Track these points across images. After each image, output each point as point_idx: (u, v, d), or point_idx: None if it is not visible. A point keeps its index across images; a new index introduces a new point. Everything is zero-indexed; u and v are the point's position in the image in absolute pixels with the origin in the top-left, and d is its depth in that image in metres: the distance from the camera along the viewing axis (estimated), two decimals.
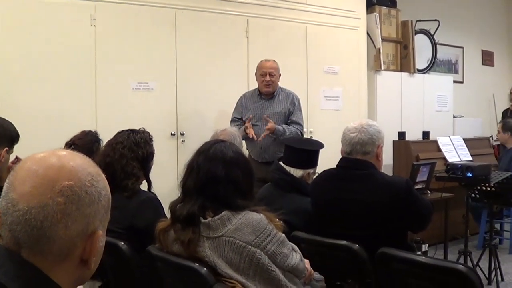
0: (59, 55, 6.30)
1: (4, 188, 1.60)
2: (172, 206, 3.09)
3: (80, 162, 1.66)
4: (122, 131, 4.19)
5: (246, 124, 6.76)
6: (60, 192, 1.56)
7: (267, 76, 6.86)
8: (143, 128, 4.30)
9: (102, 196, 1.67)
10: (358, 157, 4.00)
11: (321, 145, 4.76)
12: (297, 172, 4.47)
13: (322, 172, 4.33)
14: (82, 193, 1.60)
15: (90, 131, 4.97)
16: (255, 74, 7.03)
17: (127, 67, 6.72)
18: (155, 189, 4.27)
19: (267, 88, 6.92)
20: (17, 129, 4.35)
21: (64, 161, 1.63)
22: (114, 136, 4.17)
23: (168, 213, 3.25)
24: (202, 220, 2.92)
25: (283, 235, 3.05)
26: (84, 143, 4.79)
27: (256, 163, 6.64)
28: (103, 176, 1.72)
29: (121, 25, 6.72)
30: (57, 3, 6.28)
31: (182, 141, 7.04)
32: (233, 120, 6.98)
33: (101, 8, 6.55)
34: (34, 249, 1.55)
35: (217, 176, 2.98)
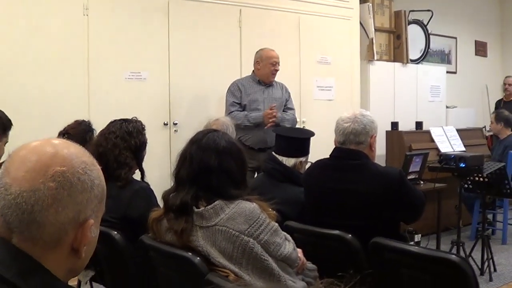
0: (52, 44, 6.27)
1: None
2: (165, 196, 3.08)
3: (74, 150, 1.67)
4: (115, 120, 4.18)
5: (271, 111, 6.82)
6: (52, 177, 1.56)
7: (277, 65, 7.08)
8: (136, 117, 4.30)
9: (95, 186, 1.66)
10: (352, 147, 4.00)
11: (311, 133, 4.77)
12: (289, 161, 4.48)
13: (315, 162, 4.34)
14: (74, 180, 1.60)
15: (83, 121, 4.97)
16: (257, 62, 7.08)
17: (120, 57, 6.70)
18: (148, 178, 4.28)
19: (273, 77, 7.13)
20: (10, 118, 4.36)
21: (59, 149, 1.64)
22: (107, 126, 4.17)
23: (161, 203, 3.25)
24: (195, 210, 2.92)
25: (276, 224, 3.05)
26: (77, 132, 4.79)
27: (252, 151, 6.70)
28: (98, 167, 1.72)
29: (113, 14, 6.69)
30: None
31: (175, 130, 7.03)
32: (232, 104, 6.95)
33: None
34: (24, 234, 1.55)
35: (210, 165, 2.97)
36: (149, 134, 4.33)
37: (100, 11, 6.59)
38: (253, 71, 7.18)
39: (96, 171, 1.69)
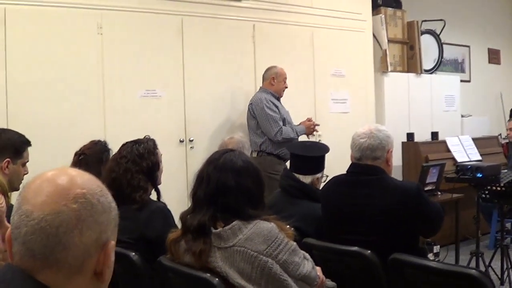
0: (67, 63, 6.28)
1: (16, 204, 1.62)
2: (183, 217, 3.09)
3: (88, 177, 1.70)
4: (126, 143, 4.18)
5: (311, 122, 7.56)
6: (74, 199, 1.58)
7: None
8: (148, 136, 4.30)
9: (112, 208, 1.70)
10: (368, 162, 4.00)
11: (326, 149, 4.76)
12: (306, 179, 4.47)
13: (332, 178, 4.33)
14: (95, 201, 1.62)
15: (99, 141, 4.96)
16: (273, 78, 7.38)
17: (135, 75, 6.71)
18: (165, 196, 4.27)
19: (283, 93, 7.49)
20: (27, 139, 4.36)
21: (74, 175, 1.66)
22: (119, 150, 4.17)
23: (178, 223, 3.25)
24: (213, 230, 2.92)
25: (295, 243, 3.05)
26: (94, 152, 4.79)
27: None
28: (110, 193, 1.74)
29: (128, 32, 6.71)
30: (63, 12, 6.27)
31: (191, 147, 7.04)
32: (278, 120, 7.20)
33: (108, 16, 6.55)
34: (49, 259, 1.54)
35: (227, 186, 2.98)
36: (165, 151, 4.34)
37: (114, 30, 6.61)
38: (261, 87, 7.42)
39: (110, 195, 1.72)
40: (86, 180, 1.66)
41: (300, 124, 7.51)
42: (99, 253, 1.62)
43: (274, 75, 7.36)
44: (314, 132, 7.60)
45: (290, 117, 7.42)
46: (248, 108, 7.30)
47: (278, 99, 7.41)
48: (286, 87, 7.50)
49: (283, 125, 7.16)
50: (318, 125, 7.62)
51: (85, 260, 1.59)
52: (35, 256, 1.55)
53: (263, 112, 7.14)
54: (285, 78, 7.46)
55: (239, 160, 3.08)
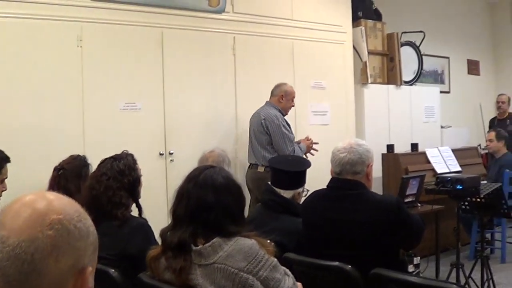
0: (46, 76, 6.25)
1: None
2: (163, 234, 3.07)
3: (66, 201, 1.67)
4: (105, 160, 4.16)
5: (310, 140, 7.73)
6: (50, 225, 1.55)
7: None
8: (126, 150, 4.28)
9: (91, 233, 1.67)
10: (348, 177, 4.00)
11: (308, 164, 4.76)
12: (287, 194, 4.47)
13: (313, 193, 4.33)
14: (71, 227, 1.59)
15: (78, 156, 4.96)
16: (282, 96, 7.49)
17: (114, 87, 6.68)
18: (145, 208, 4.26)
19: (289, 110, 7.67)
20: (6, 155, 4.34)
21: (52, 199, 1.64)
22: (98, 167, 4.15)
23: (159, 239, 3.24)
24: (194, 248, 2.91)
25: (275, 259, 3.03)
26: (73, 167, 4.79)
27: None
28: (89, 217, 1.72)
29: (107, 45, 6.70)
30: (43, 24, 6.25)
31: (171, 160, 7.02)
32: (293, 140, 7.41)
33: (88, 28, 6.53)
34: (24, 285, 1.52)
35: (207, 202, 2.97)
36: (145, 164, 4.33)
37: (94, 43, 6.58)
38: (267, 102, 7.53)
39: (89, 220, 1.69)
40: (63, 205, 1.64)
41: (300, 141, 7.63)
42: (76, 279, 1.60)
43: (283, 93, 7.47)
44: (313, 151, 7.65)
45: None
46: (261, 123, 7.30)
47: (284, 115, 7.50)
48: (293, 106, 7.66)
49: None
50: (317, 143, 7.70)
51: (61, 287, 1.58)
52: (10, 282, 1.53)
53: (279, 130, 7.23)
54: (294, 97, 7.58)
55: (219, 177, 3.07)
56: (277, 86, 7.53)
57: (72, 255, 1.58)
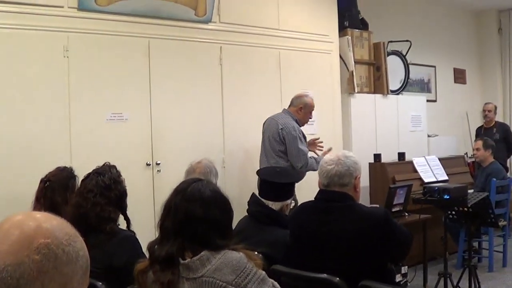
0: (32, 86, 6.22)
1: None
2: (151, 247, 3.05)
3: (56, 223, 1.63)
4: (89, 175, 4.13)
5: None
6: (37, 250, 1.52)
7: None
8: (108, 162, 4.26)
9: (80, 257, 1.62)
10: (336, 189, 3.99)
11: (296, 176, 4.75)
12: (276, 205, 4.46)
13: (300, 204, 4.32)
14: (59, 251, 1.56)
15: (65, 167, 4.94)
16: (301, 108, 7.53)
17: (101, 98, 6.66)
18: (132, 219, 4.25)
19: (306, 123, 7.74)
20: None
21: (41, 221, 1.60)
22: (83, 184, 4.12)
23: (146, 251, 3.22)
24: (181, 261, 2.89)
25: (263, 272, 3.02)
26: (59, 179, 4.77)
27: None
28: (81, 238, 1.68)
29: (94, 55, 6.67)
30: (30, 34, 6.23)
31: (158, 171, 7.00)
32: (307, 153, 7.39)
33: (74, 38, 6.51)
34: None
35: (195, 216, 2.95)
36: (132, 175, 4.33)
37: (81, 53, 6.56)
38: (285, 110, 7.63)
39: (79, 242, 1.65)
40: (53, 227, 1.60)
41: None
42: None
43: (302, 105, 7.52)
44: (319, 148, 7.75)
45: None
46: (278, 132, 7.34)
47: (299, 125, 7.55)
48: (311, 118, 7.79)
49: None
50: (318, 139, 7.87)
51: None
52: None
53: (295, 143, 7.29)
54: (312, 110, 7.63)
55: (207, 190, 3.06)
56: (298, 97, 7.60)
57: (59, 281, 1.55)
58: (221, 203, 3.07)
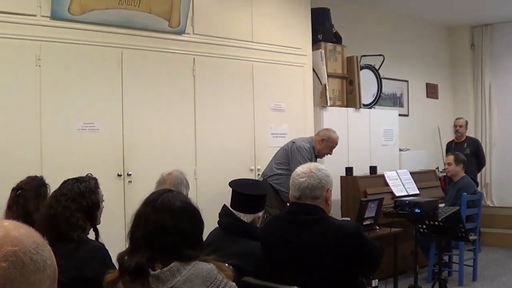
0: (3, 95, 6.18)
1: None
2: (120, 258, 3.03)
3: (24, 231, 1.61)
4: (68, 180, 4.11)
5: None
6: (4, 257, 1.50)
7: (332, 151, 8.15)
8: (90, 174, 4.24)
9: (48, 266, 1.60)
10: (308, 201, 3.99)
11: (268, 188, 4.75)
12: (248, 218, 4.44)
13: (272, 217, 4.33)
14: (27, 259, 1.54)
15: (36, 176, 4.90)
16: (323, 139, 8.01)
17: (73, 107, 6.62)
18: (101, 230, 4.20)
19: (324, 156, 8.17)
20: None
21: (9, 229, 1.58)
22: (59, 186, 4.10)
23: (116, 262, 3.20)
24: (151, 272, 2.87)
25: (234, 284, 3.01)
26: (31, 187, 4.73)
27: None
28: (49, 248, 1.67)
29: (66, 64, 6.63)
30: (2, 43, 6.18)
31: (129, 181, 6.97)
32: None
33: (47, 47, 6.47)
34: None
35: (165, 227, 2.93)
36: (102, 186, 4.27)
37: (53, 62, 6.52)
38: (312, 137, 8.08)
39: (47, 251, 1.63)
40: (21, 236, 1.58)
41: None
42: None
43: (326, 138, 7.97)
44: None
45: None
46: (290, 146, 7.82)
47: (316, 156, 7.95)
48: (330, 154, 8.17)
49: None
50: None
51: None
52: None
53: (295, 156, 7.67)
54: (334, 146, 8.08)
55: (177, 201, 3.04)
56: (325, 129, 8.15)
57: None
58: (192, 214, 3.06)
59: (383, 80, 10.97)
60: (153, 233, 2.94)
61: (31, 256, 1.55)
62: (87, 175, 4.21)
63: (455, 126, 12.13)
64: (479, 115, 13.75)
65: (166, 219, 2.95)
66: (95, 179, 4.18)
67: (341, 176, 9.08)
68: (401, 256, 7.80)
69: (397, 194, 8.88)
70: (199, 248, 3.03)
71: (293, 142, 7.74)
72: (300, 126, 8.94)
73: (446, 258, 8.78)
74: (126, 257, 2.99)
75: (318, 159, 8.04)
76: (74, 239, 3.82)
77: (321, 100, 9.49)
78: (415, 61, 13.02)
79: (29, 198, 4.61)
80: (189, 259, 2.91)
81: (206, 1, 7.95)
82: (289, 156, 7.69)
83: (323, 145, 7.85)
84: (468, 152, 11.30)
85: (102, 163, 6.65)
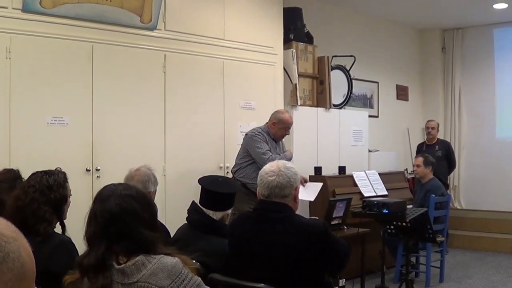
0: None
1: None
2: (80, 261, 2.99)
3: None
4: (36, 172, 4.09)
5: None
6: None
7: (288, 131, 8.09)
8: (60, 168, 4.22)
9: (10, 259, 1.57)
10: (277, 200, 3.99)
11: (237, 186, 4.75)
12: (217, 215, 4.44)
13: (240, 214, 4.32)
14: None
15: (12, 169, 4.90)
16: (274, 122, 7.92)
17: (42, 101, 6.57)
18: (69, 225, 4.18)
19: (282, 139, 8.13)
20: None
21: None
22: (28, 178, 4.08)
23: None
24: (116, 266, 2.85)
25: (199, 278, 3.01)
26: (6, 179, 4.72)
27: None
28: (23, 243, 1.64)
29: (37, 58, 6.59)
30: None
31: (98, 176, 6.93)
32: (267, 151, 7.67)
33: (17, 40, 6.42)
34: None
35: (112, 213, 2.93)
36: (71, 180, 4.25)
37: (23, 55, 6.47)
38: (266, 123, 7.94)
39: (16, 245, 1.59)
40: None
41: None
42: None
43: (276, 120, 7.89)
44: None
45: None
46: (245, 139, 7.87)
47: (273, 139, 7.95)
48: (287, 134, 8.15)
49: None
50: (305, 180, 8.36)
51: None
52: None
53: (251, 144, 7.73)
54: (287, 127, 7.99)
55: (119, 187, 3.07)
56: (274, 112, 8.03)
57: None
58: (138, 196, 3.08)
59: (353, 81, 10.99)
60: (103, 224, 2.94)
61: None
62: (56, 169, 4.19)
63: (426, 128, 12.19)
64: (449, 118, 13.82)
65: (111, 205, 2.96)
66: (64, 173, 4.16)
67: (310, 176, 9.09)
68: (369, 256, 7.83)
69: (365, 195, 8.92)
70: (156, 230, 3.04)
71: (246, 134, 7.82)
72: None
73: (413, 259, 8.81)
74: (85, 258, 2.96)
75: (280, 143, 8.18)
76: (41, 232, 3.79)
77: (291, 99, 9.49)
78: (386, 63, 13.07)
79: (3, 190, 4.58)
80: (147, 240, 2.91)
81: None
82: (246, 149, 7.75)
83: (276, 127, 7.85)
84: (440, 155, 11.40)
85: (70, 157, 6.60)
